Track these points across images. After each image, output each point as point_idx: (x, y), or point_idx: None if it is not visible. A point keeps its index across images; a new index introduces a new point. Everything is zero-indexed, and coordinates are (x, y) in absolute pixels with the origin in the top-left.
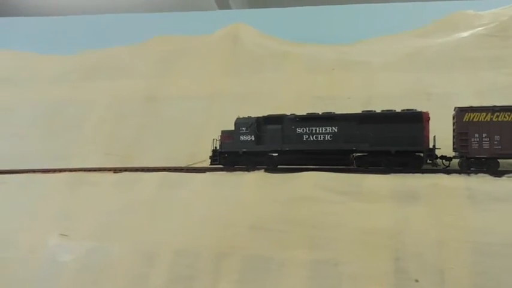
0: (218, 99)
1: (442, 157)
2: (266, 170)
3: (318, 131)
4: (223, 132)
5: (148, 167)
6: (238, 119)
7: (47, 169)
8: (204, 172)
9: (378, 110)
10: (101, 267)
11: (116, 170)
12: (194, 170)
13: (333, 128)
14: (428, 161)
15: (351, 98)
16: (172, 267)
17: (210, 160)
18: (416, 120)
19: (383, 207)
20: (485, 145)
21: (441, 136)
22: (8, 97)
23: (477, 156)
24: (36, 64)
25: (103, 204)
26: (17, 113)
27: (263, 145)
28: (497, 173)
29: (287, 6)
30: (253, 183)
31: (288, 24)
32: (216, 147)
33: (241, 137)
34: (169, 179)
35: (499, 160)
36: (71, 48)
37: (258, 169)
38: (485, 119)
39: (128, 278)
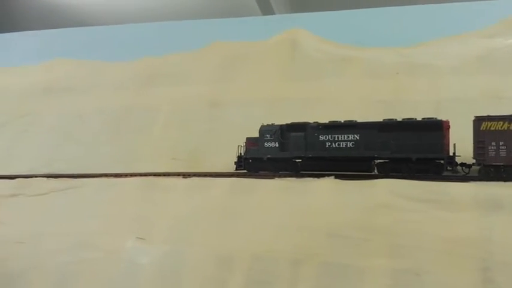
0: (280, 105)
1: (462, 164)
2: (336, 177)
3: (340, 139)
4: (248, 138)
5: (216, 172)
6: (262, 126)
7: (119, 173)
8: (273, 178)
9: (399, 119)
10: (178, 270)
11: (185, 175)
12: (262, 176)
13: (355, 135)
14: (448, 168)
15: (418, 102)
16: (248, 272)
17: (235, 166)
18: (437, 129)
19: (466, 215)
20: (502, 153)
21: None
22: (76, 104)
23: (494, 163)
24: (99, 71)
25: (176, 209)
26: (86, 119)
27: (287, 152)
28: None
29: (330, 10)
30: (326, 189)
31: (341, 28)
32: (241, 153)
33: (265, 144)
34: (240, 185)
35: None
36: (130, 56)
37: (328, 175)
38: (502, 128)
39: (205, 281)
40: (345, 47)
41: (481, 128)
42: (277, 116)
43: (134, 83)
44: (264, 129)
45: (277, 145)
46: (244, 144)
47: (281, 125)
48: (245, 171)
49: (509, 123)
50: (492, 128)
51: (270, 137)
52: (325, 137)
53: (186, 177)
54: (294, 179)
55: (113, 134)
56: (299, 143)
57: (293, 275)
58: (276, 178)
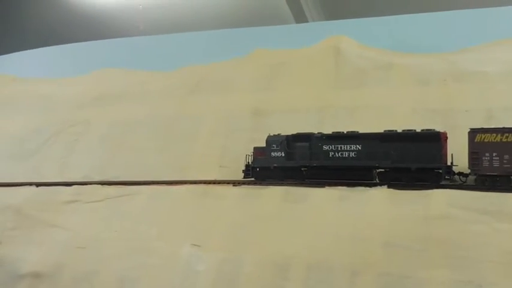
0: (326, 113)
1: (459, 173)
2: (390, 187)
3: (343, 149)
4: (255, 148)
5: (266, 181)
6: (269, 136)
7: (171, 181)
8: (323, 187)
9: (399, 130)
10: (235, 277)
11: (235, 183)
12: (312, 185)
13: (357, 145)
14: (446, 177)
15: (469, 111)
16: (305, 281)
17: (243, 174)
18: (435, 140)
19: None
20: (495, 163)
21: None
22: (126, 113)
23: (488, 173)
24: (147, 81)
25: (230, 216)
26: (135, 128)
27: (293, 161)
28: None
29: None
30: (380, 199)
31: (381, 34)
32: (248, 162)
33: (272, 153)
34: (291, 193)
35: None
36: (173, 65)
37: (381, 185)
38: (495, 140)
39: None
40: (388, 54)
41: (476, 140)
42: (323, 125)
43: (180, 91)
44: (271, 140)
45: (283, 154)
46: (252, 153)
47: (287, 136)
48: (253, 179)
49: (501, 135)
50: (486, 140)
51: (277, 146)
52: (329, 147)
53: (236, 186)
54: (345, 188)
55: (161, 142)
56: (304, 152)
57: (351, 285)
58: (327, 187)
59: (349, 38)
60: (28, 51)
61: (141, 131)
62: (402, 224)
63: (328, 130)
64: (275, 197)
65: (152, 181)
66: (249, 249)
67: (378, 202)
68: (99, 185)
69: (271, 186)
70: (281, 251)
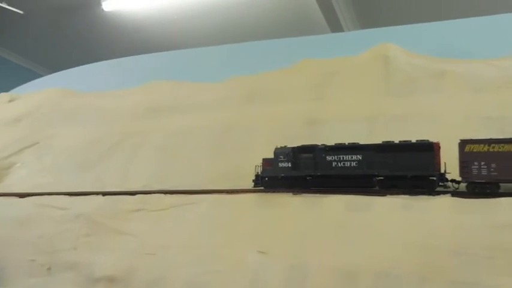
0: (379, 122)
1: (452, 180)
2: (453, 195)
3: (344, 159)
4: (264, 159)
5: (326, 189)
6: (276, 148)
7: (232, 190)
8: (385, 195)
9: (396, 141)
10: (303, 284)
11: (295, 192)
12: (374, 193)
13: (358, 156)
14: (440, 184)
15: None
16: None
17: (253, 183)
18: (428, 149)
19: None
20: (484, 172)
21: None
22: (180, 123)
23: (476, 180)
24: (196, 92)
25: (293, 224)
26: (191, 138)
27: (298, 170)
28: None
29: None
30: (445, 207)
31: (426, 41)
32: (258, 173)
33: (279, 164)
34: (353, 202)
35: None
36: (219, 76)
37: (444, 193)
38: (483, 150)
39: None
40: (438, 61)
41: (465, 150)
42: (375, 133)
43: (232, 102)
44: (278, 151)
45: (289, 165)
46: (261, 164)
47: (293, 147)
48: (262, 187)
49: (488, 146)
50: (475, 150)
51: (284, 158)
52: (332, 157)
53: (296, 194)
54: (407, 196)
55: (217, 152)
56: (309, 163)
57: None
58: (388, 196)
59: (397, 46)
60: (82, 66)
61: (196, 141)
62: (468, 231)
63: (380, 139)
64: (337, 205)
65: (213, 190)
66: (316, 257)
67: (442, 210)
68: (162, 194)
69: (332, 195)
70: (348, 258)
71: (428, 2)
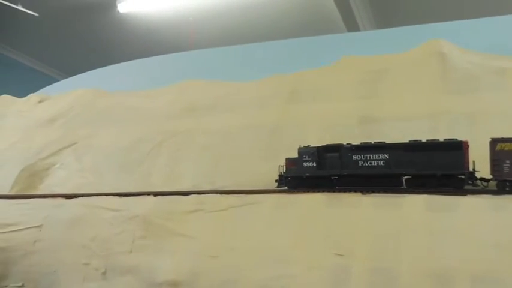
0: (441, 119)
1: (481, 179)
2: None
3: (371, 158)
4: (287, 159)
5: (399, 188)
6: (300, 148)
7: (294, 190)
8: (465, 195)
9: (424, 140)
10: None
11: (364, 192)
12: (453, 193)
13: (385, 155)
14: (469, 182)
15: None
16: None
17: (276, 183)
18: (457, 148)
19: None
20: None
21: None
22: (222, 122)
23: (507, 179)
24: (234, 91)
25: (370, 226)
26: (235, 137)
27: (324, 170)
28: None
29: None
30: None
31: (474, 37)
32: (281, 173)
33: (304, 164)
34: (435, 202)
35: None
36: (252, 75)
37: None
38: None
39: None
40: (495, 58)
41: (496, 148)
42: (438, 131)
43: (276, 101)
44: (302, 151)
45: (314, 164)
46: (284, 164)
47: (317, 147)
48: (286, 187)
49: None
50: (506, 148)
51: (308, 157)
52: (358, 157)
53: (364, 194)
54: (489, 196)
55: (266, 151)
56: (334, 162)
57: None
58: (469, 195)
59: (449, 42)
60: (108, 66)
61: (243, 140)
62: None
63: (444, 137)
64: (417, 206)
65: (273, 189)
66: (402, 260)
67: None
68: (218, 194)
69: (408, 195)
70: (440, 262)
71: (444, 1)
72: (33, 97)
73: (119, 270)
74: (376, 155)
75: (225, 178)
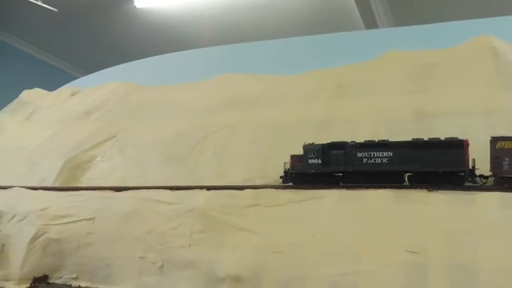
0: (498, 115)
1: (480, 176)
2: None
3: (376, 155)
4: (292, 156)
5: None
6: (305, 145)
7: (358, 185)
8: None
9: (426, 138)
10: (475, 286)
11: (429, 189)
12: (505, 189)
13: (389, 152)
14: (469, 179)
15: None
16: None
17: (281, 180)
18: (458, 146)
19: None
20: None
21: None
22: (268, 116)
23: (507, 175)
24: (276, 85)
25: (441, 222)
26: (283, 131)
27: (329, 167)
28: None
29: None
30: None
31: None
32: (286, 169)
33: (309, 161)
34: (508, 199)
35: None
36: (293, 69)
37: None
38: None
39: None
40: None
41: (497, 147)
42: (496, 127)
43: (323, 95)
44: (307, 148)
45: (320, 161)
46: (289, 161)
47: (323, 144)
48: (291, 183)
49: None
50: (506, 147)
51: (313, 154)
52: (363, 154)
53: (430, 191)
54: None
55: None
56: (340, 159)
57: None
58: None
59: (498, 38)
60: (139, 60)
61: (292, 134)
62: None
63: (503, 133)
64: (491, 203)
65: (333, 185)
66: (481, 257)
67: None
68: (274, 189)
69: (479, 192)
70: None
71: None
72: (65, 90)
73: (177, 264)
74: (380, 153)
75: (278, 172)
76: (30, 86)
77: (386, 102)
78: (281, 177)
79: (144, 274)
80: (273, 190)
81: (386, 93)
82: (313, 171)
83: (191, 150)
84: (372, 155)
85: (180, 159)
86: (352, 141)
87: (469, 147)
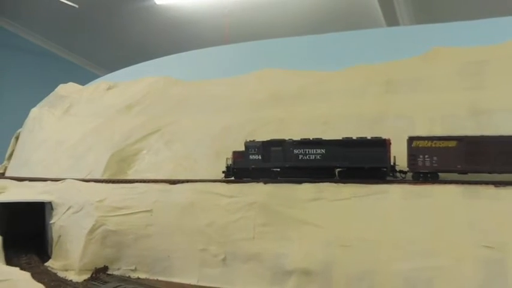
0: None
1: (400, 171)
2: None
3: (310, 152)
4: (234, 152)
5: None
6: (246, 142)
7: (423, 181)
8: None
9: (354, 137)
10: None
11: (497, 185)
12: None
13: (322, 150)
14: (390, 174)
15: None
16: None
17: (223, 175)
18: (381, 145)
19: None
20: (427, 163)
21: None
22: (315, 111)
23: (421, 171)
24: (318, 80)
25: None
26: (332, 126)
27: (268, 163)
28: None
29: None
30: None
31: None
32: (228, 164)
33: (250, 156)
34: None
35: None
36: (331, 65)
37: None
38: (427, 145)
39: None
40: None
41: (413, 145)
42: None
43: (368, 90)
44: (249, 145)
45: (260, 157)
46: (231, 156)
47: (263, 141)
48: (233, 178)
49: (431, 142)
50: (420, 145)
51: (254, 150)
52: (298, 151)
53: (497, 187)
54: None
55: None
56: (278, 155)
57: None
58: None
59: None
60: (168, 56)
61: (340, 129)
62: None
63: None
64: None
65: (397, 180)
66: None
67: None
68: (333, 183)
69: None
70: None
71: None
72: (101, 84)
73: (241, 257)
74: (314, 150)
75: None
76: (51, 82)
77: (440, 99)
78: (223, 172)
79: (206, 266)
80: (333, 184)
81: (440, 89)
82: (253, 166)
83: (239, 144)
84: (307, 152)
85: (229, 154)
86: (289, 139)
87: (391, 145)
